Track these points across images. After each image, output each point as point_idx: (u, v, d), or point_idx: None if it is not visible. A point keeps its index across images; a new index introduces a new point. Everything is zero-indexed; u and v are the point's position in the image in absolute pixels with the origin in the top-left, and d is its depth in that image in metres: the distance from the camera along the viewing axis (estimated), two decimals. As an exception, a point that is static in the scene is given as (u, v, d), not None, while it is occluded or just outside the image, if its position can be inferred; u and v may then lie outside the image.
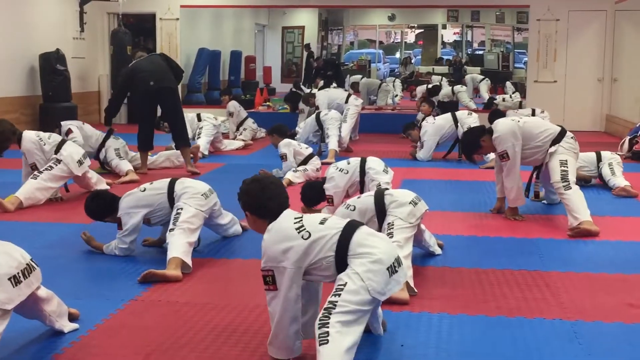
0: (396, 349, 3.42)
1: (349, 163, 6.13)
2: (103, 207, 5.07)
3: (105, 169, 8.30)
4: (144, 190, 5.01)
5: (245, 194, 3.34)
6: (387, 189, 4.82)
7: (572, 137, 6.03)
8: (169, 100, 8.48)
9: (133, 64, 8.53)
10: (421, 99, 12.38)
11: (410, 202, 4.50)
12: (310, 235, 3.12)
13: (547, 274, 4.59)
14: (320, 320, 2.94)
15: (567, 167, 5.81)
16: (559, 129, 6.07)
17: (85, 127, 8.32)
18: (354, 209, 4.57)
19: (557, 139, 5.96)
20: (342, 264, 3.09)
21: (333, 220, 3.24)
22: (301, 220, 3.19)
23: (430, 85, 15.17)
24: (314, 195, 6.11)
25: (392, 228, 4.37)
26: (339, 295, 2.98)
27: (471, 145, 6.23)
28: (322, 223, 3.19)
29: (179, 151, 8.65)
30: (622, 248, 5.29)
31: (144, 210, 4.93)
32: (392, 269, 3.09)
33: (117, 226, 4.96)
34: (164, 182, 5.04)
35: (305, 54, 19.85)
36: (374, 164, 6.11)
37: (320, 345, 2.88)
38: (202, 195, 4.93)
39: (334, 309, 2.95)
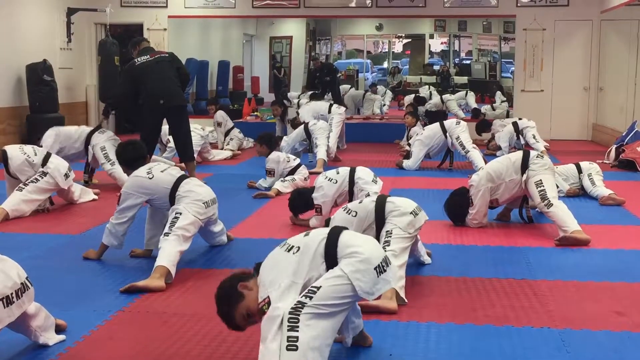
0: (384, 358, 3.41)
1: (338, 173, 6.12)
2: (135, 153, 5.24)
3: (89, 181, 8.20)
4: (152, 177, 4.96)
5: None
6: (389, 196, 4.76)
7: (537, 156, 6.11)
8: (178, 117, 8.23)
9: (140, 65, 8.04)
10: (407, 109, 12.42)
11: (411, 212, 4.48)
12: (299, 249, 3.15)
13: (535, 282, 4.60)
14: (291, 317, 2.92)
15: (543, 186, 5.89)
16: (520, 155, 6.14)
17: (62, 130, 8.23)
18: (355, 215, 4.52)
19: (525, 165, 6.01)
20: (333, 266, 3.11)
21: (315, 231, 3.28)
22: (285, 242, 3.23)
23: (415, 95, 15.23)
24: (301, 203, 6.12)
25: (390, 236, 4.35)
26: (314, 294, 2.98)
27: (461, 212, 6.23)
28: (306, 235, 3.24)
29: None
30: (610, 256, 5.31)
31: (144, 196, 4.95)
32: (380, 269, 3.10)
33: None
34: (170, 178, 4.98)
35: (290, 62, 19.86)
36: (363, 173, 6.10)
37: (288, 350, 2.87)
38: (203, 203, 4.90)
39: (303, 307, 2.94)
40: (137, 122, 8.36)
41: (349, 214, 4.55)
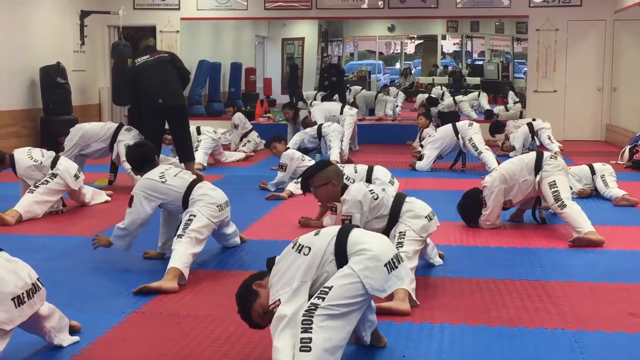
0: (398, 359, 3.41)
1: (356, 171, 6.11)
2: (144, 155, 5.18)
3: (113, 180, 8.27)
4: (165, 181, 4.95)
5: None
6: (407, 195, 4.73)
7: (551, 157, 6.10)
8: (177, 117, 8.26)
9: (139, 65, 8.14)
10: (420, 110, 12.40)
11: (426, 216, 4.48)
12: (309, 249, 3.17)
13: (548, 283, 4.59)
14: (304, 319, 2.94)
15: (556, 187, 5.87)
16: (533, 156, 6.12)
17: (87, 127, 8.30)
18: (376, 198, 4.47)
19: (538, 166, 6.00)
20: (343, 264, 3.12)
21: (326, 230, 3.31)
22: (296, 242, 3.25)
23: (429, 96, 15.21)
24: None
25: (403, 238, 4.36)
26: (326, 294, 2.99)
27: (474, 213, 6.21)
28: (317, 234, 3.26)
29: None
30: (624, 257, 5.29)
31: (157, 200, 4.92)
32: (391, 265, 3.11)
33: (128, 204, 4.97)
34: (183, 182, 4.98)
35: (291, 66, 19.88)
36: (381, 174, 6.10)
37: (301, 351, 2.89)
38: (217, 206, 4.91)
39: (316, 309, 2.95)
40: (138, 124, 8.38)
41: (371, 192, 4.48)
